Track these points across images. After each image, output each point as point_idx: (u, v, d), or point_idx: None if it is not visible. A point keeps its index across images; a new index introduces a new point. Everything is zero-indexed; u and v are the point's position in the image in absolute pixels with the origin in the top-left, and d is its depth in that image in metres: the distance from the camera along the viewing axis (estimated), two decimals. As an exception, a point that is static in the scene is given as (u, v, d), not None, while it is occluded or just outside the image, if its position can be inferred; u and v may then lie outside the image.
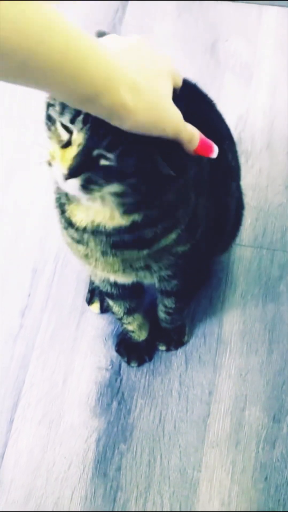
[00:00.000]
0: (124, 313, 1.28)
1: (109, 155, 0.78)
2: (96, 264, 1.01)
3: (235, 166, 1.24)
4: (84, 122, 0.76)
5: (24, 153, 1.64)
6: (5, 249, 1.52)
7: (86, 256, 1.00)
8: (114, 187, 0.82)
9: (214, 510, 1.25)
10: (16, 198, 1.59)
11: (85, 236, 0.95)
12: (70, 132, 0.79)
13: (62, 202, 0.96)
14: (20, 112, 1.71)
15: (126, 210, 0.88)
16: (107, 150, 0.78)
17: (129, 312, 1.29)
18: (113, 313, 1.32)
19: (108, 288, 1.19)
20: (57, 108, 0.78)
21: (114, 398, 1.35)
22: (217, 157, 0.86)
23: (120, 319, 1.31)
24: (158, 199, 0.89)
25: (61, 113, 0.77)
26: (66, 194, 0.93)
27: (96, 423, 1.33)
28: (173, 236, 0.97)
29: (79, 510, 1.25)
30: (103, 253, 0.97)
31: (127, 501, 1.25)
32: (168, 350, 1.39)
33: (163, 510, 1.24)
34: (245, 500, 1.25)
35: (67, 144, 0.79)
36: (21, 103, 1.72)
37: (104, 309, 1.42)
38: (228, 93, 1.74)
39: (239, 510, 1.25)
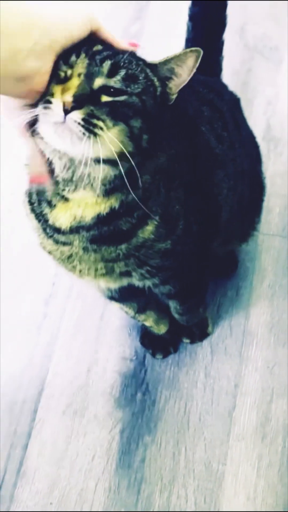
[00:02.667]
0: (135, 312, 1.26)
1: (113, 80, 0.78)
2: (81, 268, 0.98)
3: (222, 152, 1.15)
4: (77, 56, 0.78)
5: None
6: (30, 237, 1.50)
7: (70, 258, 0.97)
8: (118, 128, 0.80)
9: (239, 504, 1.23)
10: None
11: (70, 236, 0.92)
12: (65, 73, 0.79)
13: (43, 212, 0.93)
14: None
15: (107, 190, 0.86)
16: (109, 75, 0.78)
17: (140, 310, 1.26)
18: (126, 312, 1.30)
19: (107, 293, 1.16)
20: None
21: (138, 389, 1.34)
22: (194, 145, 0.90)
23: (133, 317, 1.29)
24: (139, 178, 0.86)
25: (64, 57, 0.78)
26: (48, 200, 0.91)
27: (121, 414, 1.32)
28: (149, 228, 0.94)
29: (103, 501, 1.24)
30: (85, 250, 0.94)
31: (152, 494, 1.24)
32: (192, 342, 1.37)
33: (187, 504, 1.23)
34: (271, 495, 1.23)
35: (65, 80, 0.78)
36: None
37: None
38: (257, 77, 1.71)
39: (265, 505, 1.23)
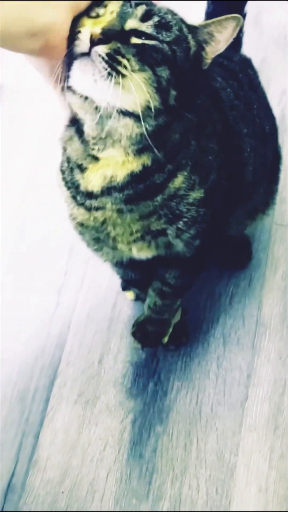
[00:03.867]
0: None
1: (145, 25, 0.78)
2: (115, 233, 0.98)
3: (241, 107, 1.14)
4: None
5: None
6: (42, 227, 1.50)
7: (103, 224, 0.97)
8: (144, 75, 0.78)
9: (251, 495, 1.23)
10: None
11: (103, 199, 0.92)
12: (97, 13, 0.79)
13: (74, 179, 0.93)
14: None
15: (138, 149, 0.85)
16: (143, 20, 0.78)
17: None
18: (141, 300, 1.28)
19: (130, 275, 1.15)
20: None
21: (150, 379, 1.34)
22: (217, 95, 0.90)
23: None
24: (167, 137, 0.87)
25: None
26: (78, 164, 0.91)
27: (132, 404, 1.32)
28: (180, 179, 0.94)
29: (114, 490, 1.24)
30: (119, 212, 0.94)
31: (163, 484, 1.24)
32: (143, 347, 1.35)
33: (199, 494, 1.23)
34: (283, 487, 1.23)
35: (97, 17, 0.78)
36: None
37: (138, 297, 1.40)
38: (271, 66, 1.69)
39: (277, 496, 1.22)
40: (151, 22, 0.79)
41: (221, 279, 1.42)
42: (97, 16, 0.78)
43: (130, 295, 1.40)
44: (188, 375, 1.33)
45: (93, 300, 1.42)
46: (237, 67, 1.15)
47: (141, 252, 1.04)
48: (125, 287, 1.40)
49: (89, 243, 1.07)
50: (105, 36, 0.75)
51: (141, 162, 0.87)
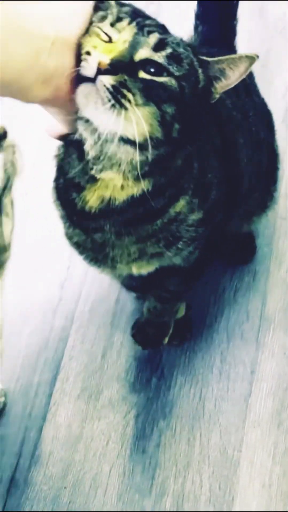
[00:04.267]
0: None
1: (157, 55, 0.76)
2: (113, 254, 0.97)
3: (239, 118, 1.13)
4: (129, 23, 0.76)
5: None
6: (45, 220, 1.50)
7: (102, 245, 0.96)
8: (148, 110, 0.77)
9: (254, 491, 1.22)
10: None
11: (100, 221, 0.91)
12: (108, 36, 0.77)
13: (70, 198, 0.92)
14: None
15: (138, 174, 0.83)
16: (155, 49, 0.76)
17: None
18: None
19: (130, 283, 1.15)
20: (96, 18, 0.77)
21: (154, 374, 1.33)
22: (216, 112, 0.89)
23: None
24: (169, 165, 0.86)
25: (101, 20, 0.77)
26: (75, 182, 0.89)
27: (136, 398, 1.31)
28: (181, 203, 0.93)
29: (117, 486, 1.24)
30: (117, 234, 0.93)
31: (166, 479, 1.24)
32: (144, 349, 1.34)
33: (202, 490, 1.23)
34: (286, 483, 1.22)
35: (109, 42, 0.77)
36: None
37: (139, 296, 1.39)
38: (276, 58, 1.67)
39: (280, 493, 1.22)
40: (163, 53, 0.77)
41: (225, 273, 1.42)
42: (110, 40, 0.76)
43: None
44: (192, 370, 1.33)
45: (96, 295, 1.42)
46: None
47: (141, 270, 1.04)
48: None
49: (87, 261, 1.07)
50: (113, 68, 0.74)
51: (142, 186, 0.86)
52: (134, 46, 0.76)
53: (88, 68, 0.74)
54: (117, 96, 0.74)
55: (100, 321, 1.39)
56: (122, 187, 0.86)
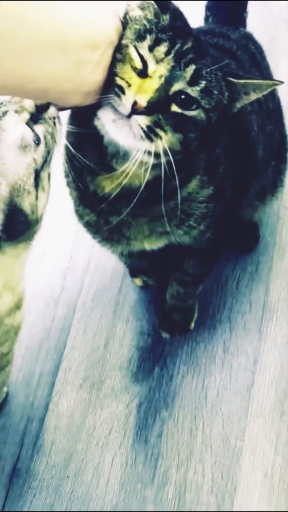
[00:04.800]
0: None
1: (191, 89, 0.76)
2: (129, 234, 0.98)
3: None
4: (168, 52, 0.74)
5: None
6: (47, 210, 1.49)
7: (118, 227, 0.97)
8: (176, 137, 0.79)
9: (256, 481, 1.22)
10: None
11: (116, 204, 0.92)
12: (144, 61, 0.75)
13: (83, 181, 0.92)
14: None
15: (153, 165, 0.84)
16: (191, 84, 0.76)
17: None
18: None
19: (139, 264, 1.14)
20: (132, 31, 0.75)
21: (156, 364, 1.33)
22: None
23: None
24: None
25: (138, 38, 0.75)
26: (91, 169, 0.89)
27: (138, 388, 1.31)
28: (193, 183, 0.94)
29: (119, 475, 1.24)
30: (133, 216, 0.94)
31: (168, 469, 1.24)
32: (172, 336, 1.34)
33: (204, 479, 1.23)
34: (289, 472, 1.22)
35: (144, 74, 0.75)
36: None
37: (146, 284, 1.39)
38: (280, 46, 1.66)
39: (283, 482, 1.22)
40: (197, 88, 0.77)
41: (228, 263, 1.41)
42: (144, 73, 0.76)
43: (139, 282, 1.38)
44: (194, 360, 1.33)
45: (99, 284, 1.41)
46: (234, 45, 1.11)
47: (153, 244, 1.04)
48: (133, 274, 1.39)
49: (97, 240, 1.07)
50: (149, 110, 0.74)
51: (155, 173, 0.86)
52: (170, 81, 0.76)
53: (123, 107, 0.75)
54: (150, 135, 0.76)
55: (103, 310, 1.39)
56: (137, 175, 0.86)
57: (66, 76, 0.71)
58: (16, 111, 0.81)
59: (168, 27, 0.77)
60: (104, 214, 0.96)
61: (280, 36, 1.67)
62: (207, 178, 0.95)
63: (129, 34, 0.77)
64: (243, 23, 1.27)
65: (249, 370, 1.31)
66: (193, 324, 1.33)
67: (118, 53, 0.77)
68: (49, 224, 1.45)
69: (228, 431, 1.26)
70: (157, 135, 0.76)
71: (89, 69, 0.72)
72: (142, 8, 0.79)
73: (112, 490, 1.23)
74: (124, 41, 0.77)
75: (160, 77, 0.75)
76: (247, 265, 1.40)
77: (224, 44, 1.09)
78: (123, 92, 0.75)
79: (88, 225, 1.03)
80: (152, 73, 0.75)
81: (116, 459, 1.25)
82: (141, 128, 0.75)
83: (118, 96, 0.75)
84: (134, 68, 0.76)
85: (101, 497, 1.23)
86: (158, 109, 0.75)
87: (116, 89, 0.75)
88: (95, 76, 0.74)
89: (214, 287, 1.39)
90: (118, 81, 0.75)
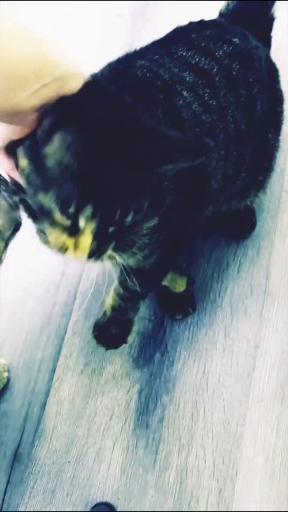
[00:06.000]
0: None
1: (122, 222, 0.77)
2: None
3: (211, 121, 1.03)
4: (94, 214, 0.73)
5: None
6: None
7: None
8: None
9: (258, 465, 1.22)
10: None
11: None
12: (71, 218, 0.75)
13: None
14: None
15: None
16: (121, 221, 0.76)
17: None
18: None
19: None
20: (51, 197, 0.74)
21: (157, 349, 1.32)
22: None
23: None
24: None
25: (61, 206, 0.74)
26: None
27: (139, 374, 1.31)
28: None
29: (120, 461, 1.24)
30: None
31: (170, 454, 1.24)
32: (107, 349, 1.34)
33: (206, 464, 1.23)
34: (290, 457, 1.23)
35: (75, 231, 0.76)
36: None
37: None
38: (283, 26, 1.64)
39: (284, 467, 1.22)
40: (127, 220, 0.78)
41: (229, 248, 1.40)
42: (75, 229, 0.76)
43: None
44: (195, 345, 1.32)
45: (99, 270, 1.40)
46: (216, 67, 1.02)
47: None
48: None
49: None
50: (95, 256, 0.79)
51: None
52: (102, 228, 0.76)
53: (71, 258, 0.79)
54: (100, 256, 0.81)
55: (103, 296, 1.38)
56: None
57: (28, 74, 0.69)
58: None
59: None
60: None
61: (281, 16, 1.65)
62: (152, 211, 0.90)
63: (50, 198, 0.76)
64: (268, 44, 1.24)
65: (250, 355, 1.31)
66: (130, 338, 1.31)
67: (42, 218, 0.78)
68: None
69: (229, 416, 1.26)
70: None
71: (25, 95, 0.70)
72: None
73: (113, 475, 1.23)
74: (45, 204, 0.76)
75: (92, 231, 0.75)
76: (248, 250, 1.39)
77: (205, 66, 1.02)
78: (64, 251, 0.79)
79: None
80: (84, 229, 0.76)
81: (118, 445, 1.25)
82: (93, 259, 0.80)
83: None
84: (63, 228, 0.76)
85: (103, 482, 1.23)
86: (101, 250, 0.79)
87: (60, 252, 0.80)
88: (29, 102, 0.71)
89: (215, 272, 1.38)
90: (54, 244, 0.80)
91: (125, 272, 1.03)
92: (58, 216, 0.75)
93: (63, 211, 0.74)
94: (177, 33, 1.07)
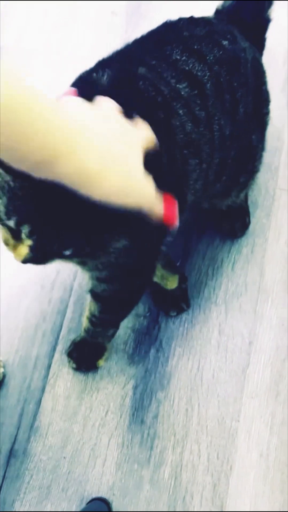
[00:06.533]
0: None
1: (63, 254, 0.80)
2: None
3: (198, 135, 1.00)
4: (31, 233, 0.76)
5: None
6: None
7: None
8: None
9: (252, 461, 1.23)
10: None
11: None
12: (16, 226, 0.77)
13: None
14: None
15: None
16: (59, 252, 0.80)
17: None
18: None
19: None
20: (2, 203, 0.75)
21: (152, 346, 1.33)
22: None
23: None
24: None
25: (6, 215, 0.76)
26: None
27: (134, 370, 1.32)
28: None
29: (116, 456, 1.25)
30: None
31: (164, 449, 1.25)
32: (78, 369, 1.34)
33: (200, 459, 1.24)
34: (284, 453, 1.23)
35: (16, 237, 0.79)
36: None
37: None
38: (278, 25, 1.64)
39: (278, 462, 1.23)
40: (67, 252, 0.81)
41: (223, 245, 1.41)
42: (19, 234, 0.78)
43: None
44: (190, 342, 1.33)
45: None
46: (207, 73, 1.00)
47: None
48: None
49: None
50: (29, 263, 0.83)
51: None
52: (39, 249, 0.80)
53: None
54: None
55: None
56: None
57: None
58: None
59: None
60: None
61: (276, 15, 1.65)
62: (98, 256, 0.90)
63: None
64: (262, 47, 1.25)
65: (244, 351, 1.32)
66: (102, 363, 1.31)
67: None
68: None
69: (223, 411, 1.27)
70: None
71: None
72: None
73: (109, 470, 1.24)
74: None
75: (29, 246, 0.79)
76: (242, 248, 1.40)
77: (198, 72, 0.99)
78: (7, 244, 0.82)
79: None
80: (24, 240, 0.79)
81: (113, 440, 1.26)
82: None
83: None
84: (9, 229, 0.79)
85: (98, 477, 1.24)
86: (36, 261, 0.83)
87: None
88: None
89: (210, 269, 1.39)
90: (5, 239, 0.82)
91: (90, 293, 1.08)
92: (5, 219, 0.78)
93: (7, 219, 0.77)
94: (167, 28, 1.06)
